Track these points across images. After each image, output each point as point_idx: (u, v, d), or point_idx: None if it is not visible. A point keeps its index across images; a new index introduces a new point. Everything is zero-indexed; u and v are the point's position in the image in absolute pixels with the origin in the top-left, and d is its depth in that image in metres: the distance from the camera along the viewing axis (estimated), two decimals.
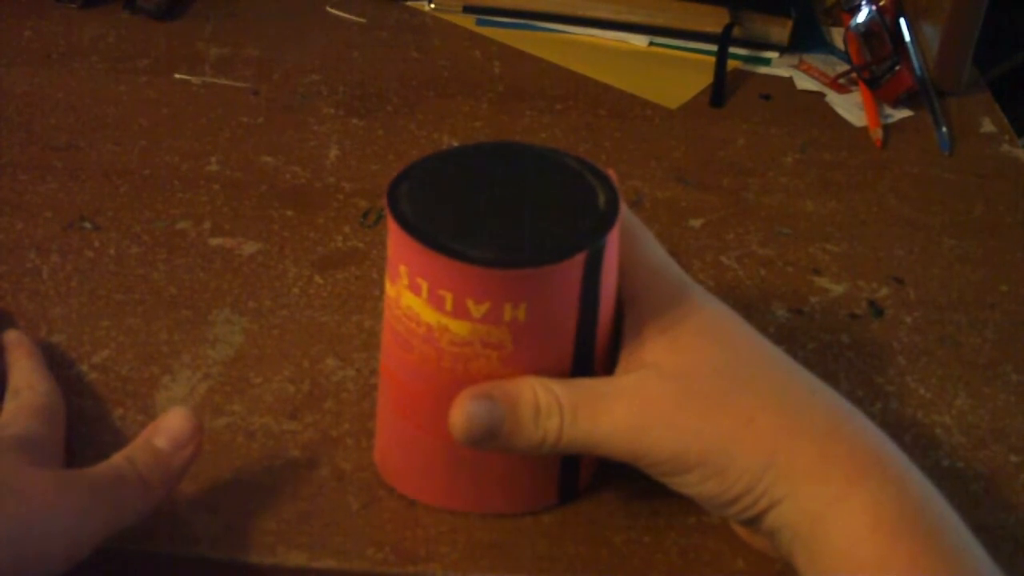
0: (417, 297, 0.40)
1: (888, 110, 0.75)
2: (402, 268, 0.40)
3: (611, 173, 0.43)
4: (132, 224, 0.59)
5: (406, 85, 0.73)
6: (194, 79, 0.72)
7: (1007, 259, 0.62)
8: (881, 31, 0.76)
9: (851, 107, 0.75)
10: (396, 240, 0.40)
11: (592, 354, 0.42)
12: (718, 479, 0.39)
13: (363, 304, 0.55)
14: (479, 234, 0.39)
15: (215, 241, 0.59)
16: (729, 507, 0.40)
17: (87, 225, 0.59)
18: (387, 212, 0.40)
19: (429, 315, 0.40)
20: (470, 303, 0.39)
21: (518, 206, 0.41)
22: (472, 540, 0.45)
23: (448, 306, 0.39)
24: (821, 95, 0.76)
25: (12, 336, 0.49)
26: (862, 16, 0.78)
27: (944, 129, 0.72)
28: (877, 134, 0.72)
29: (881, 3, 0.78)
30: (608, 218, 0.40)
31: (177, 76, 0.72)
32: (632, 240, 0.43)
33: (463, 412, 0.40)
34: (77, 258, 0.57)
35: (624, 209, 0.42)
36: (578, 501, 0.46)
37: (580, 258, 0.39)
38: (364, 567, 0.43)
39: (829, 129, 0.73)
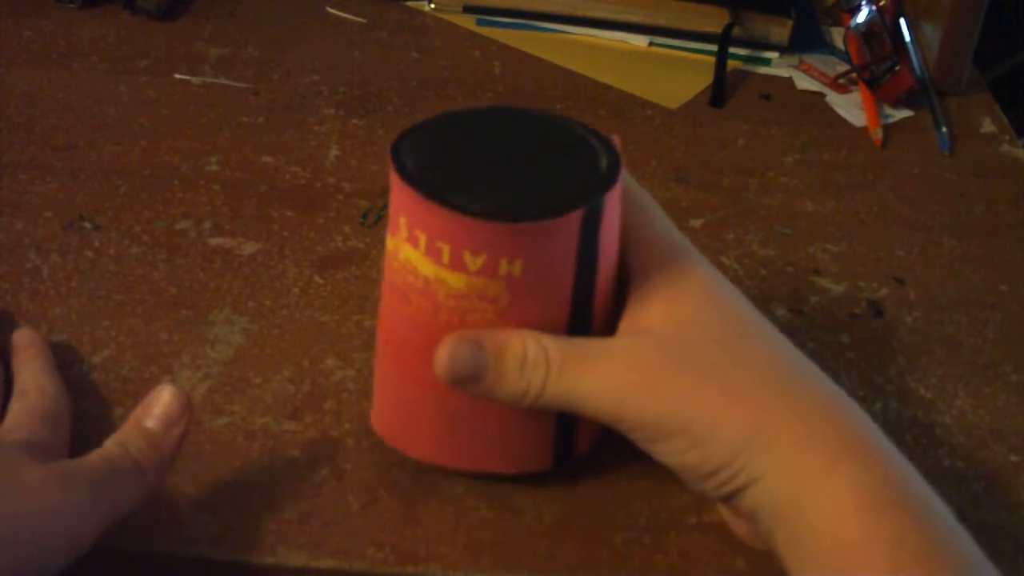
0: (415, 249, 0.40)
1: (888, 110, 0.75)
2: (402, 220, 0.40)
3: (615, 139, 0.43)
4: (132, 224, 0.59)
5: (406, 85, 0.73)
6: (194, 79, 0.72)
7: (1007, 259, 0.62)
8: (881, 31, 0.76)
9: (851, 107, 0.75)
10: (397, 192, 0.41)
11: (589, 316, 0.42)
12: (698, 450, 0.39)
13: (363, 304, 0.55)
14: (478, 188, 0.40)
15: (215, 241, 0.59)
16: (707, 480, 0.39)
17: (87, 225, 0.59)
18: (390, 164, 0.41)
19: (426, 267, 0.40)
20: (467, 255, 0.39)
21: (519, 165, 0.42)
22: (472, 540, 0.45)
23: (445, 258, 0.39)
24: (821, 95, 0.76)
25: (24, 335, 0.49)
26: (862, 16, 0.78)
27: (944, 129, 0.72)
28: (877, 134, 0.72)
29: (881, 3, 0.78)
30: (608, 179, 0.41)
31: (177, 76, 0.72)
32: (637, 209, 0.43)
33: (447, 352, 0.40)
34: (77, 258, 0.57)
35: (628, 177, 0.42)
36: (578, 500, 0.46)
37: (577, 215, 0.39)
38: (364, 567, 0.43)
39: (829, 129, 0.73)
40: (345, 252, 0.59)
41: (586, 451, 0.46)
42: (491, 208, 0.39)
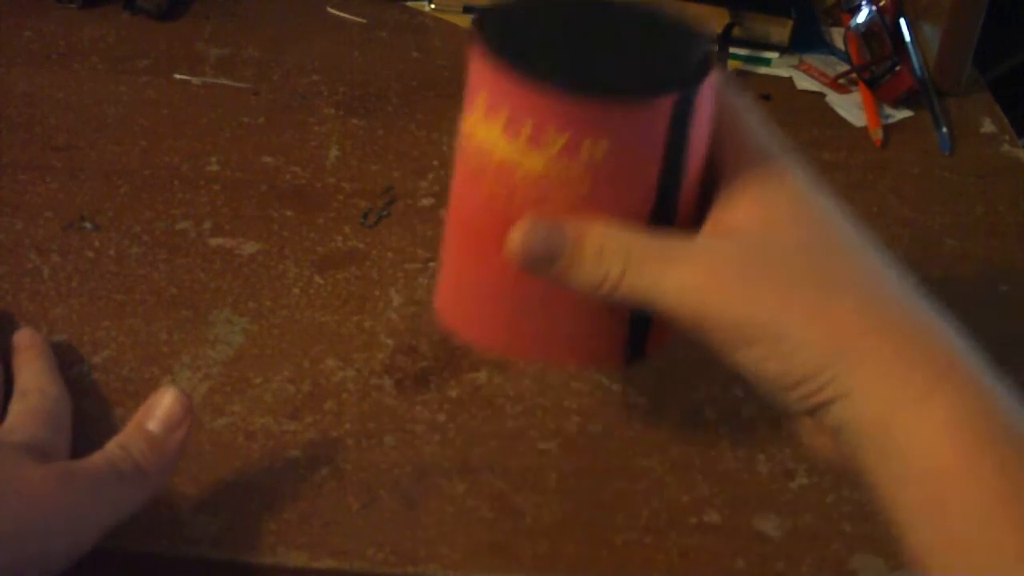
0: (493, 128, 0.38)
1: (888, 110, 0.75)
2: (481, 95, 0.39)
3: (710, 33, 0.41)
4: (132, 224, 0.59)
5: (406, 85, 0.73)
6: (194, 79, 0.72)
7: (1007, 259, 0.62)
8: (881, 31, 0.76)
9: (851, 107, 0.75)
10: (478, 66, 0.39)
11: (673, 210, 0.40)
12: (780, 360, 0.37)
13: (363, 304, 0.55)
14: (565, 66, 0.38)
15: (215, 241, 0.59)
16: (789, 392, 0.37)
17: (87, 225, 0.59)
18: (473, 36, 0.39)
19: (504, 148, 0.38)
20: (548, 133, 0.37)
21: (610, 49, 0.40)
22: (472, 540, 0.45)
23: (525, 136, 0.38)
24: (821, 95, 0.76)
25: (25, 336, 0.49)
26: (862, 16, 0.78)
27: (944, 129, 0.72)
28: (877, 134, 0.72)
29: (881, 3, 0.78)
30: (703, 68, 0.39)
31: (177, 76, 0.72)
32: (733, 107, 0.41)
33: (522, 232, 0.38)
34: (77, 258, 0.57)
35: (725, 76, 0.40)
36: (578, 500, 0.46)
37: (669, 100, 0.37)
38: (364, 567, 0.43)
39: (829, 129, 0.73)
40: (345, 252, 0.59)
41: (658, 350, 0.44)
42: (578, 83, 0.36)
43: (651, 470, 0.48)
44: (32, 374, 0.47)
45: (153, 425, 0.42)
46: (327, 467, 0.47)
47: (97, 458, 0.41)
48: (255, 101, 0.70)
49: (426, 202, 0.62)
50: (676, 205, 0.40)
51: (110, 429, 0.48)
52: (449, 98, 0.72)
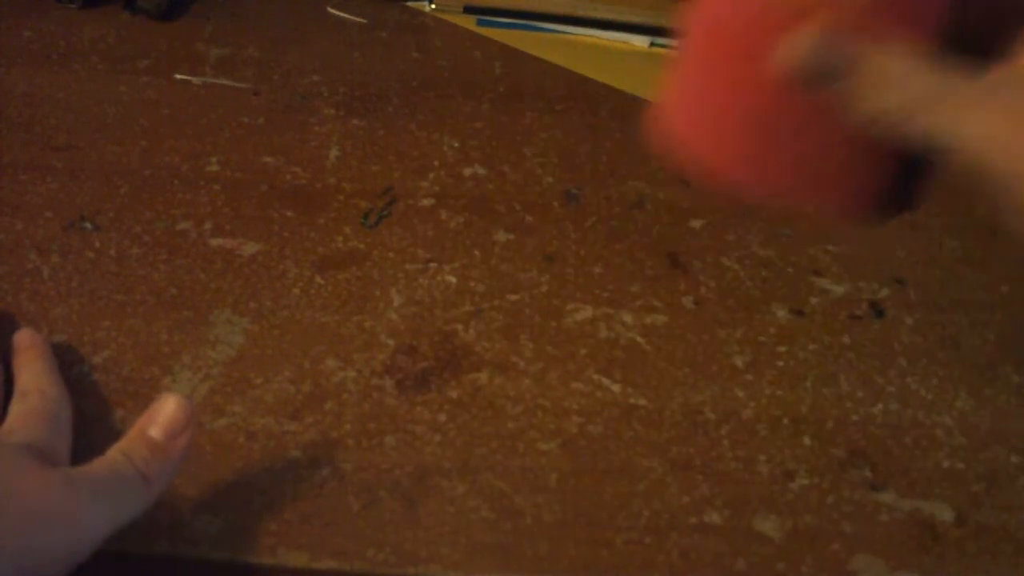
0: None
1: None
2: None
3: None
4: (133, 224, 0.59)
5: (406, 85, 0.73)
6: (194, 79, 0.72)
7: (1008, 260, 0.62)
8: None
9: None
10: None
11: (967, 40, 0.34)
12: None
13: (363, 304, 0.55)
14: None
15: (216, 242, 0.59)
16: None
17: (87, 225, 0.59)
18: None
19: None
20: None
21: None
22: (473, 541, 0.45)
23: None
24: None
25: (25, 336, 0.49)
26: None
27: None
28: None
29: None
30: None
31: (177, 76, 0.72)
32: None
33: (802, 38, 0.33)
34: (77, 258, 0.57)
35: None
36: (579, 501, 0.46)
37: None
38: (364, 568, 0.43)
39: None
40: (346, 252, 0.59)
41: (917, 206, 0.39)
42: None
43: (651, 470, 0.48)
44: (32, 375, 0.47)
45: (155, 431, 0.42)
46: (328, 467, 0.47)
47: (99, 463, 0.41)
48: (255, 101, 0.70)
49: (426, 202, 0.62)
50: (970, 33, 0.34)
51: (110, 430, 0.48)
52: (449, 98, 0.72)
